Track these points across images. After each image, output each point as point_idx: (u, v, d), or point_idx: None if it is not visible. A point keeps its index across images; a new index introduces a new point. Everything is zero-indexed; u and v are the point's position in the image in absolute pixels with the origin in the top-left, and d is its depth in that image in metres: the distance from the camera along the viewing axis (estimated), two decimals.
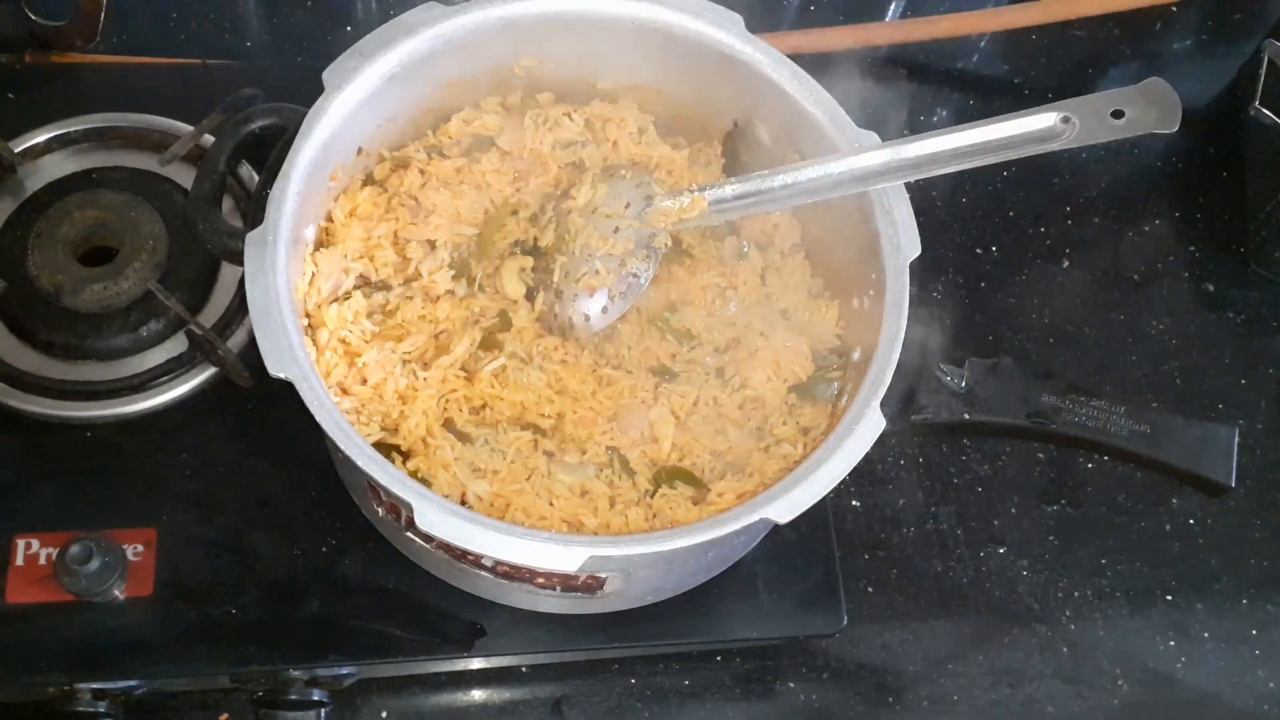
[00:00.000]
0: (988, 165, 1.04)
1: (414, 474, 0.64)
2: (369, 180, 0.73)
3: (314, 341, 0.66)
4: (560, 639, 0.73)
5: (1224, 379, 0.98)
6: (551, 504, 0.65)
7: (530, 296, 0.71)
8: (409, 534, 0.67)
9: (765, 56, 0.70)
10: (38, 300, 0.75)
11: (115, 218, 0.77)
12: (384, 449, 0.63)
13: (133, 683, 0.70)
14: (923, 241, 0.65)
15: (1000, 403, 0.66)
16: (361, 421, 0.66)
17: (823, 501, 0.58)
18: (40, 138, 0.82)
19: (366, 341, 0.67)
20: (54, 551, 0.69)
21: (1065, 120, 0.63)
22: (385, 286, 0.70)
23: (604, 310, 0.70)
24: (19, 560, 0.69)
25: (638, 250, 0.69)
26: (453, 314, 0.70)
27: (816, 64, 0.77)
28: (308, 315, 0.67)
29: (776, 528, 0.75)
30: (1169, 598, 0.89)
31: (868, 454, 0.60)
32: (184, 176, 0.81)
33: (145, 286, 0.76)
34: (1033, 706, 0.84)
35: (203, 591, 0.71)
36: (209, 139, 0.78)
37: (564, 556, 0.55)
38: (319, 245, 0.69)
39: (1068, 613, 0.87)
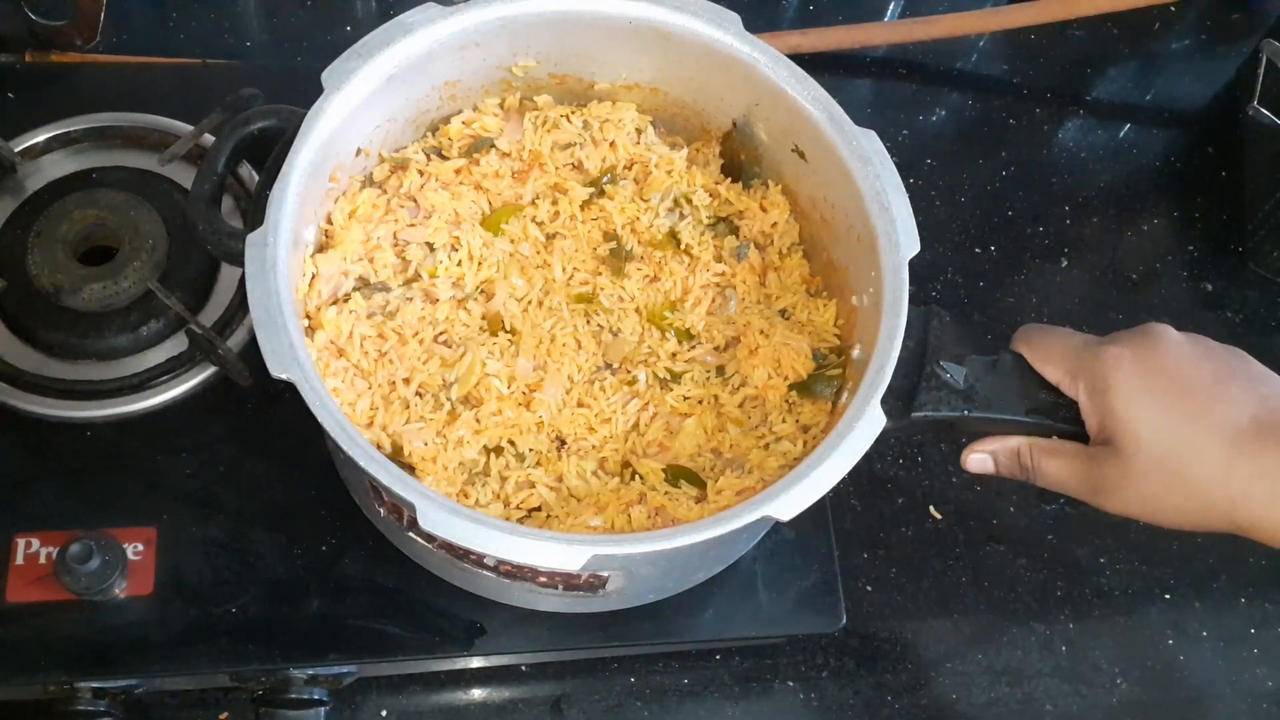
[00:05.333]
0: (986, 165, 1.05)
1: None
2: (368, 182, 0.73)
3: (312, 343, 0.66)
4: (560, 638, 0.73)
5: None
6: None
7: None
8: (410, 534, 0.67)
9: (764, 56, 0.70)
10: (37, 299, 0.75)
11: (115, 217, 0.77)
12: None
13: (133, 681, 0.70)
14: (922, 241, 0.65)
15: (1000, 399, 0.66)
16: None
17: (822, 500, 0.58)
18: (40, 137, 0.82)
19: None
20: (54, 550, 0.69)
21: None
22: (385, 288, 0.70)
23: None
24: (19, 559, 0.69)
25: None
26: (452, 316, 0.70)
27: (815, 63, 0.77)
28: (308, 316, 0.67)
29: (775, 526, 0.76)
30: (1167, 596, 0.89)
31: (867, 452, 0.60)
32: (184, 176, 0.81)
33: (145, 286, 0.76)
34: (1031, 705, 0.84)
35: (203, 590, 0.71)
36: (209, 139, 0.78)
37: (567, 555, 0.55)
38: (319, 248, 0.69)
39: (1066, 611, 0.87)
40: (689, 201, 0.76)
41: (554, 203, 0.75)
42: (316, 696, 0.72)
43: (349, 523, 0.73)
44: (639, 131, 0.77)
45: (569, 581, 0.65)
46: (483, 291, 0.72)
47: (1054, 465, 0.66)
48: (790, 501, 0.58)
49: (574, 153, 0.76)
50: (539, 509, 0.67)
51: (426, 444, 0.66)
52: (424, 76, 0.71)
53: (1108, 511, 0.64)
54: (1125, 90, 1.14)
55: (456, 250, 0.72)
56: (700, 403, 0.71)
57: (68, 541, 0.67)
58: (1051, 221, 1.04)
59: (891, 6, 1.15)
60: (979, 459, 0.68)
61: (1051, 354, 0.66)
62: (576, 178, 0.76)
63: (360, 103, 0.66)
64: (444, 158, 0.74)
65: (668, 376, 0.71)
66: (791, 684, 0.82)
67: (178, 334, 0.77)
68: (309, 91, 0.64)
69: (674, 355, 0.72)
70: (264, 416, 0.76)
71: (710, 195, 0.76)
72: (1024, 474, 0.67)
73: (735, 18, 0.70)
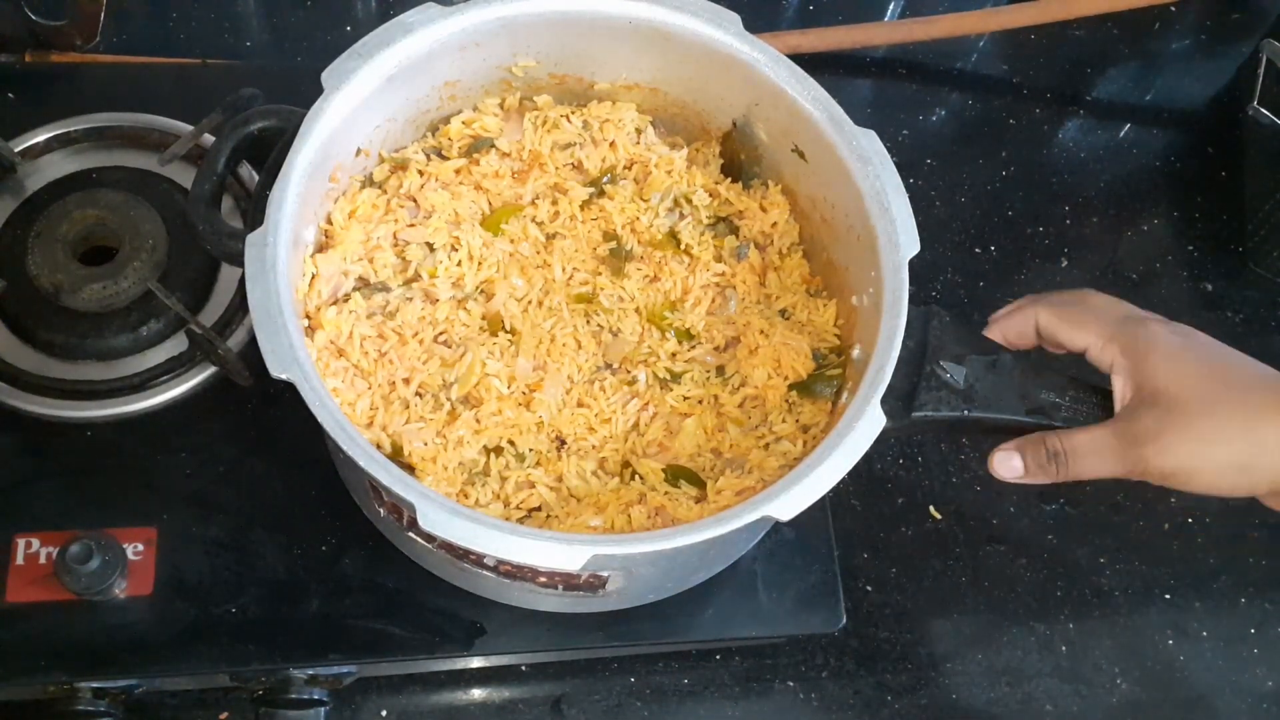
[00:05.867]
0: (986, 165, 1.05)
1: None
2: (368, 182, 0.73)
3: (312, 343, 0.66)
4: (560, 638, 0.73)
5: None
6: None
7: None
8: (410, 534, 0.67)
9: (764, 56, 0.70)
10: (37, 300, 0.75)
11: (115, 217, 0.77)
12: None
13: (133, 681, 0.70)
14: (921, 241, 0.65)
15: (1000, 399, 0.66)
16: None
17: (822, 500, 0.58)
18: (40, 137, 0.82)
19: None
20: (54, 550, 0.69)
21: None
22: (385, 288, 0.70)
23: None
24: (19, 559, 0.69)
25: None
26: (452, 316, 0.70)
27: (815, 63, 0.77)
28: (307, 316, 0.67)
29: (775, 526, 0.76)
30: (1167, 596, 0.89)
31: (867, 452, 0.60)
32: (184, 176, 0.81)
33: (145, 286, 0.76)
34: (1031, 705, 0.84)
35: (203, 590, 0.71)
36: (209, 139, 0.78)
37: (567, 555, 0.55)
38: (319, 248, 0.69)
39: (1066, 611, 0.88)
40: (689, 201, 0.76)
41: (554, 203, 0.75)
42: (316, 696, 0.72)
43: (349, 523, 0.73)
44: (639, 131, 0.77)
45: (569, 582, 0.65)
46: (482, 291, 0.72)
47: (1086, 437, 0.65)
48: (790, 501, 0.58)
49: (574, 153, 0.76)
50: (539, 509, 0.67)
51: (426, 444, 0.66)
52: (424, 77, 0.71)
53: (1150, 473, 0.63)
54: (1125, 90, 1.14)
55: (456, 250, 0.72)
56: (700, 403, 0.71)
57: (68, 541, 0.67)
58: (1051, 221, 1.04)
59: (891, 6, 1.15)
60: (1005, 457, 0.67)
61: (1085, 320, 0.67)
62: (576, 178, 0.76)
63: (360, 103, 0.66)
64: (444, 158, 0.74)
65: (668, 376, 0.71)
66: (791, 684, 0.82)
67: (178, 334, 0.77)
68: (309, 91, 0.64)
69: (674, 355, 0.72)
70: (264, 416, 0.76)
71: (710, 195, 0.76)
72: (1053, 463, 0.66)
73: (735, 18, 0.70)
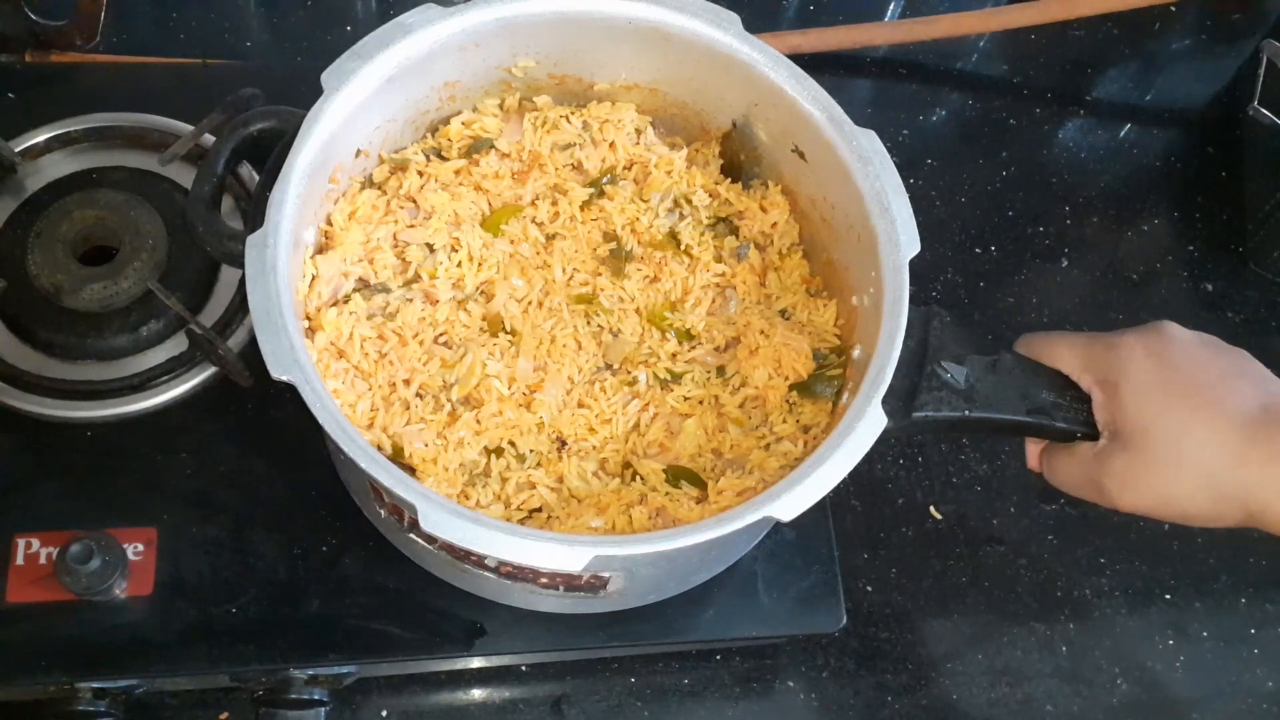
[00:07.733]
0: (986, 165, 1.05)
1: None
2: (368, 183, 0.73)
3: (313, 344, 0.66)
4: (560, 638, 0.73)
5: None
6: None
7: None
8: (411, 535, 0.67)
9: (764, 56, 0.70)
10: (37, 300, 0.75)
11: (115, 217, 0.77)
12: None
13: (133, 681, 0.71)
14: (922, 241, 0.65)
15: (1001, 399, 0.66)
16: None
17: (822, 500, 0.58)
18: (40, 137, 0.82)
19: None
20: (54, 551, 0.69)
21: None
22: (385, 289, 0.70)
23: None
24: (19, 560, 0.69)
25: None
26: (452, 317, 0.70)
27: (815, 63, 0.77)
28: (308, 317, 0.67)
29: (776, 527, 0.76)
30: (1168, 597, 0.89)
31: (867, 452, 0.60)
32: (184, 176, 0.81)
33: (145, 286, 0.76)
34: (1031, 705, 0.84)
35: (203, 591, 0.71)
36: (209, 139, 0.78)
37: (568, 556, 0.55)
38: (319, 249, 0.69)
39: (1066, 611, 0.88)
40: (689, 202, 0.76)
41: (554, 203, 0.75)
42: (316, 696, 0.72)
43: (349, 523, 0.73)
44: (638, 132, 0.77)
45: (570, 582, 0.65)
46: (483, 292, 0.72)
47: (1064, 466, 0.67)
48: (791, 502, 0.58)
49: (573, 153, 0.76)
50: (540, 510, 0.67)
51: (427, 445, 0.66)
52: (423, 77, 0.71)
53: (1121, 509, 0.64)
54: (1125, 90, 1.14)
55: (456, 251, 0.72)
56: (701, 403, 0.71)
57: (68, 541, 0.67)
58: (1051, 221, 1.04)
59: (891, 6, 1.15)
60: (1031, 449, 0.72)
61: (1059, 351, 0.67)
62: (576, 178, 0.76)
63: (360, 104, 0.66)
64: (444, 158, 0.74)
65: (668, 377, 0.71)
66: (792, 684, 0.82)
67: (178, 334, 0.77)
68: (309, 92, 0.64)
69: (674, 356, 0.72)
70: (264, 416, 0.76)
71: (710, 195, 0.76)
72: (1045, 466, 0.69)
73: (735, 18, 0.70)
